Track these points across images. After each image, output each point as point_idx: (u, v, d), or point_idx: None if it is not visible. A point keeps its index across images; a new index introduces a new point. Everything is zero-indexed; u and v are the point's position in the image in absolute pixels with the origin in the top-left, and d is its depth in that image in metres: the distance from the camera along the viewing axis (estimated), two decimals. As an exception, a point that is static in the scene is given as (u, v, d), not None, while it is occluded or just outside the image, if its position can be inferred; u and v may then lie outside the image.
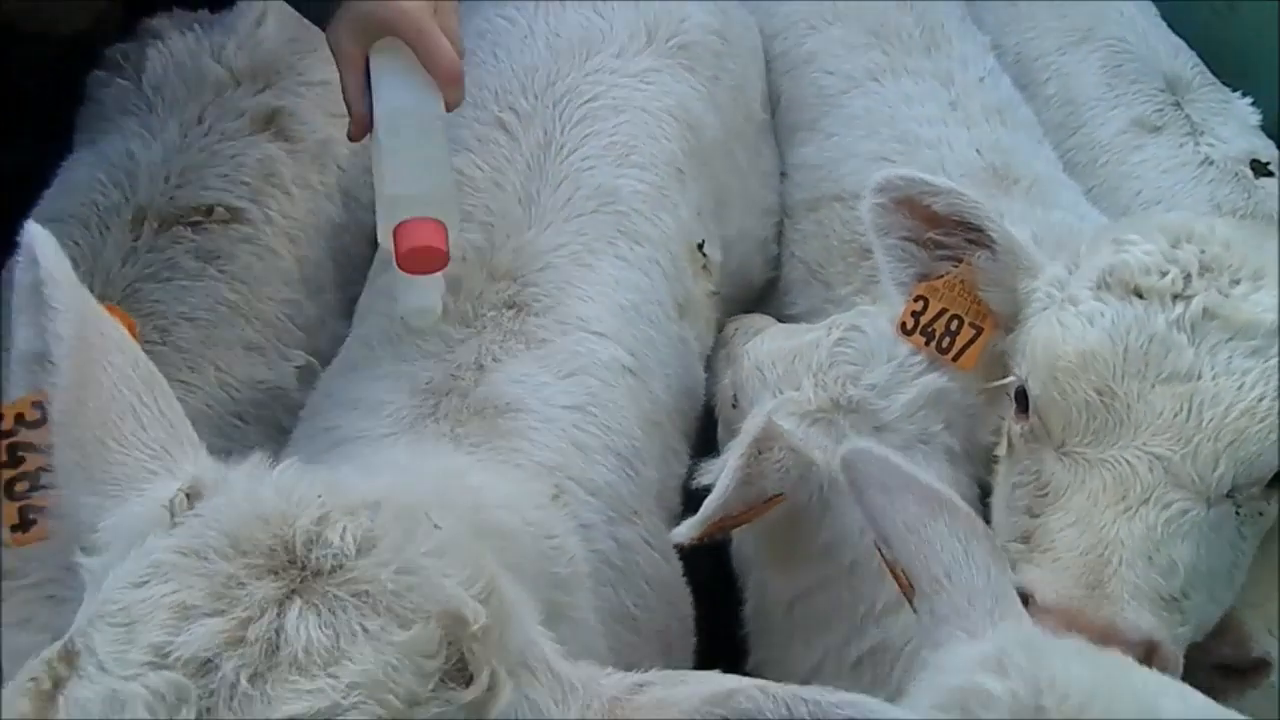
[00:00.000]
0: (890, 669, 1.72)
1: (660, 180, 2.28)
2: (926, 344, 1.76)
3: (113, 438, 1.11)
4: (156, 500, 1.07)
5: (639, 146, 2.28)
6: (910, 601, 1.32)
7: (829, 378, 1.82)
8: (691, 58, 2.49)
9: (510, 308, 1.97)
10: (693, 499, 1.92)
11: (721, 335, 2.47)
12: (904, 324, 1.76)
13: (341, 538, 0.98)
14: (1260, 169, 2.57)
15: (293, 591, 0.95)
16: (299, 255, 2.28)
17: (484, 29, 2.46)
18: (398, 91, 1.70)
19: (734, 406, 2.06)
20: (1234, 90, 2.80)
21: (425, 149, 1.68)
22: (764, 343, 2.05)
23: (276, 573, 0.96)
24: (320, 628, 0.93)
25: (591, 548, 1.76)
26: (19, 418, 1.18)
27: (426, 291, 1.70)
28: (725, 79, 2.60)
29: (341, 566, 0.97)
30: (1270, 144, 2.67)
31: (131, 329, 1.23)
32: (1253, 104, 2.76)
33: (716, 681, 1.03)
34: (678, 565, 1.97)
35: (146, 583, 0.96)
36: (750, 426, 1.70)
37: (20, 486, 1.17)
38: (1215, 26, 2.98)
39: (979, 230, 1.72)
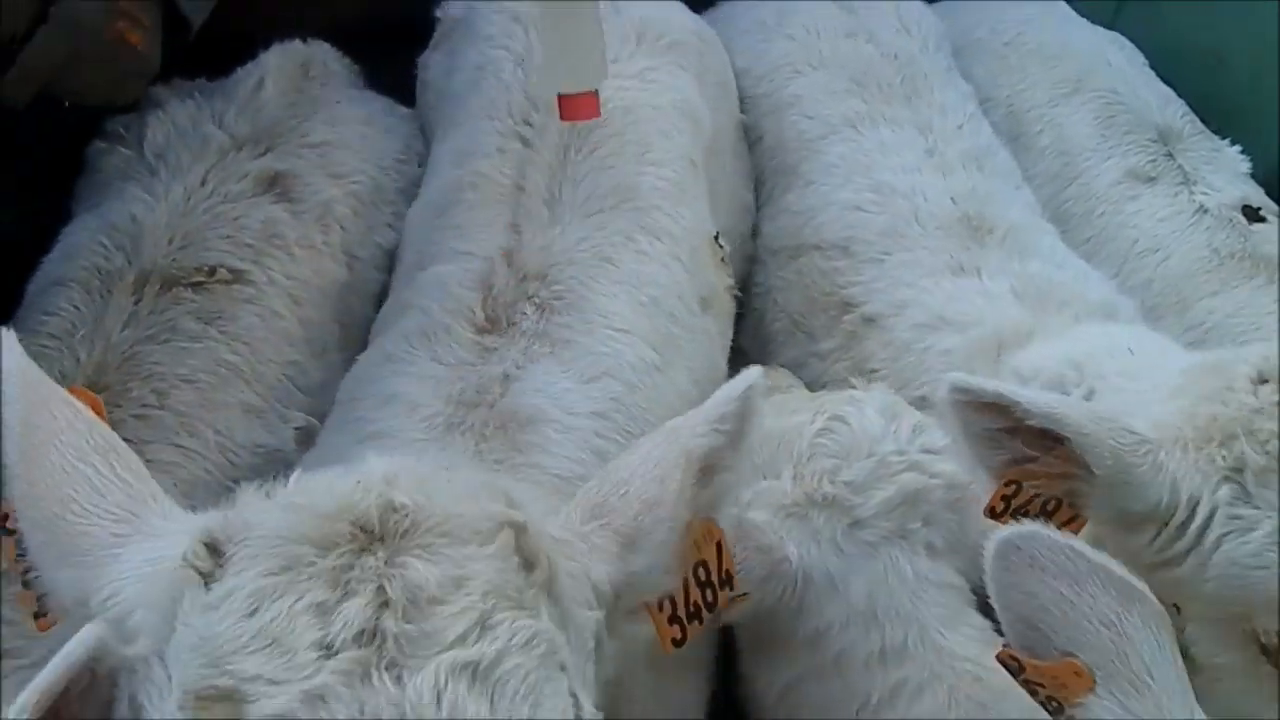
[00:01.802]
0: None
1: (677, 175, 2.30)
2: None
3: (72, 511, 1.14)
4: (167, 567, 1.08)
5: (653, 143, 2.30)
6: (1060, 705, 1.18)
7: (807, 470, 1.77)
8: (681, 56, 2.54)
9: (538, 308, 1.96)
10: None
11: None
12: (993, 508, 1.54)
13: (404, 502, 1.07)
14: (1253, 215, 2.58)
15: (394, 554, 1.03)
16: (302, 316, 2.26)
17: (483, 61, 2.50)
18: None
19: None
20: (1223, 139, 2.81)
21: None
22: None
23: (368, 549, 1.04)
24: (436, 565, 1.03)
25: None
26: (18, 513, 1.20)
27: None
28: (710, 76, 2.64)
29: (415, 522, 1.06)
30: (1260, 190, 2.68)
31: (96, 407, 1.24)
32: (1241, 152, 2.76)
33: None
34: None
35: (258, 609, 1.00)
36: None
37: (31, 575, 1.18)
38: (1204, 78, 2.98)
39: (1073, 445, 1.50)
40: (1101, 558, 1.16)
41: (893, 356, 2.30)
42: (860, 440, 1.78)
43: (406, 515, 1.06)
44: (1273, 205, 2.62)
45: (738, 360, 2.61)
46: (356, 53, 2.93)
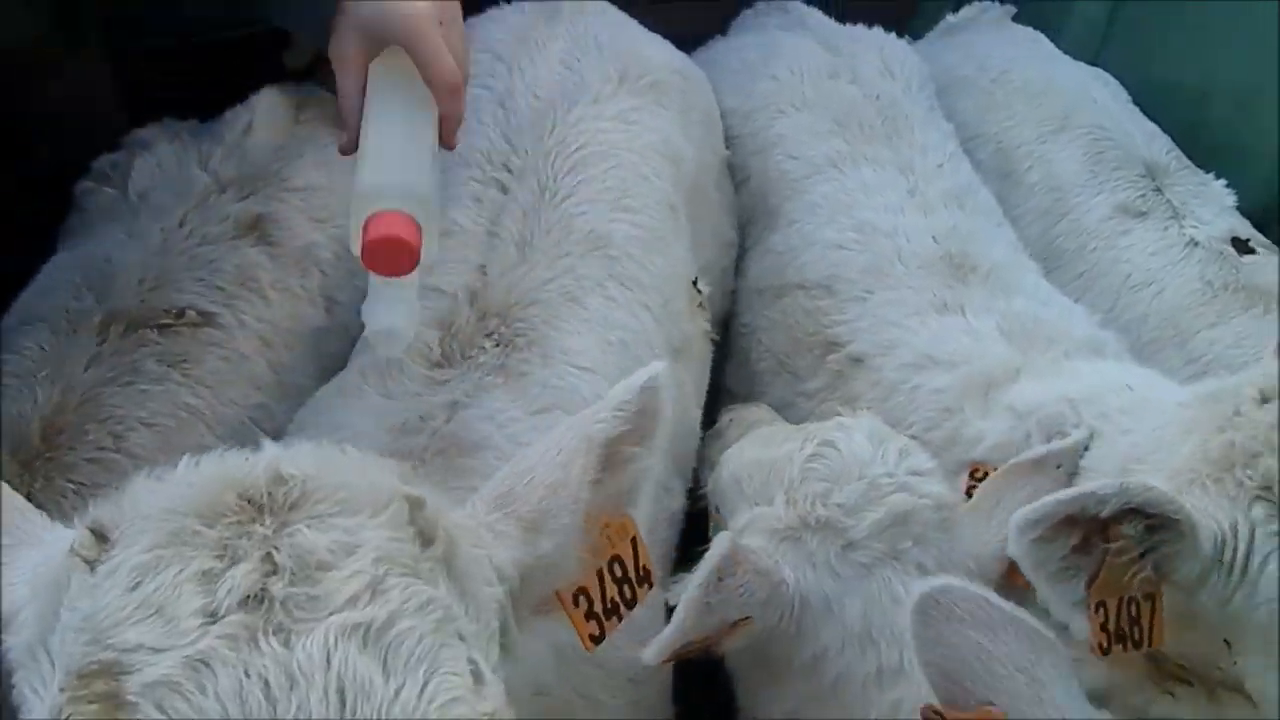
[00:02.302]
0: None
1: (653, 222, 2.27)
2: (1124, 648, 1.52)
3: None
4: (51, 557, 1.06)
5: (631, 189, 2.28)
6: None
7: (799, 495, 1.76)
8: (662, 94, 2.52)
9: (497, 345, 1.93)
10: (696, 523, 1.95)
11: (715, 428, 2.39)
12: (1101, 645, 1.49)
13: (292, 473, 1.04)
14: (1242, 247, 2.57)
15: (282, 524, 1.00)
16: (273, 360, 2.20)
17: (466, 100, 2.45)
18: (388, 95, 1.64)
19: (717, 512, 1.99)
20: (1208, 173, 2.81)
21: (408, 148, 1.59)
22: (741, 451, 1.99)
23: (257, 519, 1.01)
24: (325, 534, 1.00)
25: None
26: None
27: (396, 310, 1.54)
28: (694, 114, 2.63)
29: (304, 493, 1.03)
30: (1246, 223, 2.68)
31: None
32: (1226, 185, 2.76)
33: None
34: (655, 608, 1.78)
35: (141, 581, 0.96)
36: (712, 553, 1.62)
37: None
38: (1187, 114, 2.99)
39: (1151, 515, 1.47)
40: (1012, 608, 1.19)
41: (881, 396, 2.26)
42: (850, 464, 1.77)
43: (295, 486, 1.03)
44: (1260, 237, 2.61)
45: (725, 400, 2.58)
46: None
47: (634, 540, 1.37)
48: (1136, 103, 3.07)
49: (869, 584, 1.70)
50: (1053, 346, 2.13)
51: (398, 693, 0.92)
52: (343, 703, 0.90)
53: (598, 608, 1.35)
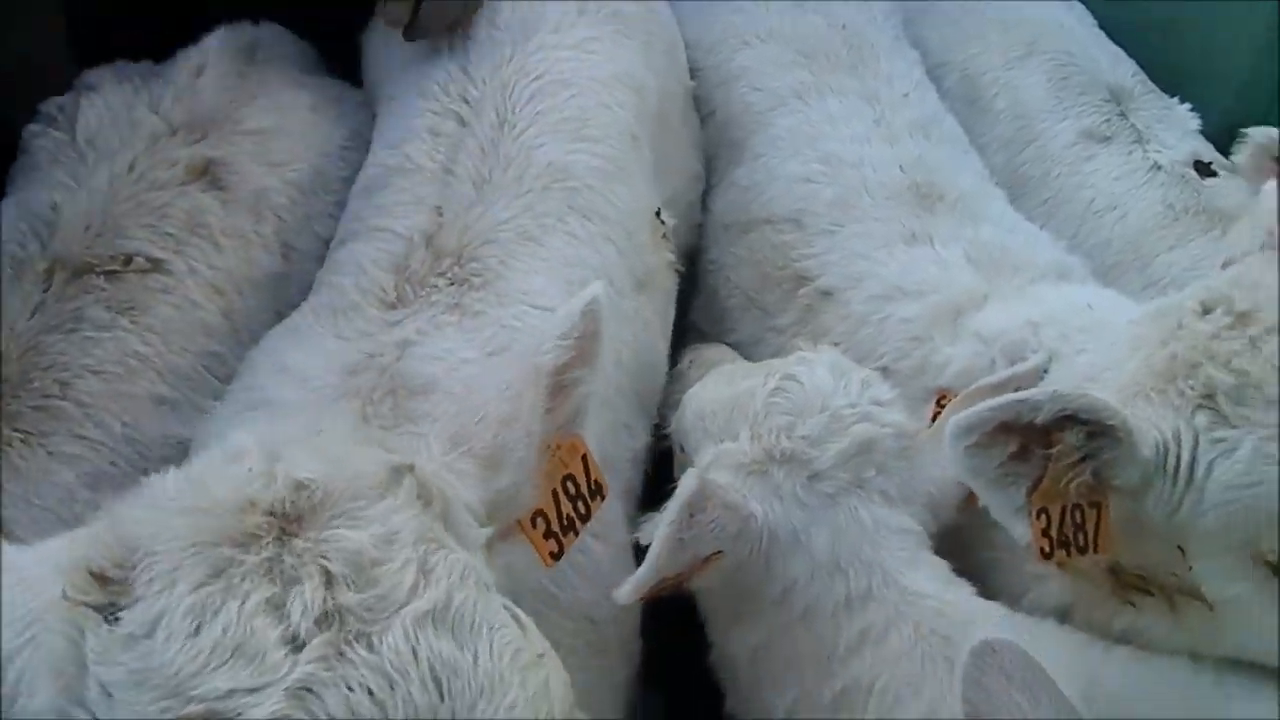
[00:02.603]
0: (864, 708, 1.66)
1: (615, 152, 2.23)
2: (1068, 554, 1.55)
3: None
4: (38, 607, 1.00)
5: (592, 119, 2.23)
6: None
7: (764, 429, 1.78)
8: (624, 23, 2.46)
9: (451, 283, 1.89)
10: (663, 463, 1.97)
11: (677, 368, 2.38)
12: (1043, 549, 1.53)
13: (310, 477, 1.05)
14: (1204, 170, 2.57)
15: (319, 531, 1.01)
16: (225, 307, 2.15)
17: None
18: None
19: (682, 451, 1.99)
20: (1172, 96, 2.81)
21: None
22: (704, 389, 1.99)
23: (290, 533, 1.00)
24: (364, 530, 1.02)
25: None
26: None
27: None
28: (656, 44, 2.57)
29: (326, 493, 1.04)
30: (1210, 146, 2.68)
31: None
32: (1191, 109, 2.76)
33: None
34: (617, 546, 1.86)
35: (203, 624, 0.94)
36: (682, 490, 1.64)
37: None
38: (1155, 44, 2.96)
39: (1087, 422, 1.48)
40: (1055, 683, 1.21)
41: (851, 329, 2.26)
42: (813, 396, 1.79)
43: (316, 489, 1.04)
44: (1222, 160, 2.60)
45: (693, 337, 2.55)
46: (316, 34, 2.82)
47: (584, 457, 1.40)
48: (1104, 29, 3.04)
49: (835, 514, 1.72)
50: (1019, 273, 2.13)
51: (476, 660, 0.98)
52: (439, 687, 0.95)
53: (555, 526, 1.38)
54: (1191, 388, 1.48)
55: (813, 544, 1.70)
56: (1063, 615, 1.74)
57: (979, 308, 2.05)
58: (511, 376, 1.30)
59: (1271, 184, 1.76)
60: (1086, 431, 1.46)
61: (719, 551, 1.66)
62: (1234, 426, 1.44)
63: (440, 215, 1.99)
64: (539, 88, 2.20)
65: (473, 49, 2.29)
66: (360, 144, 2.54)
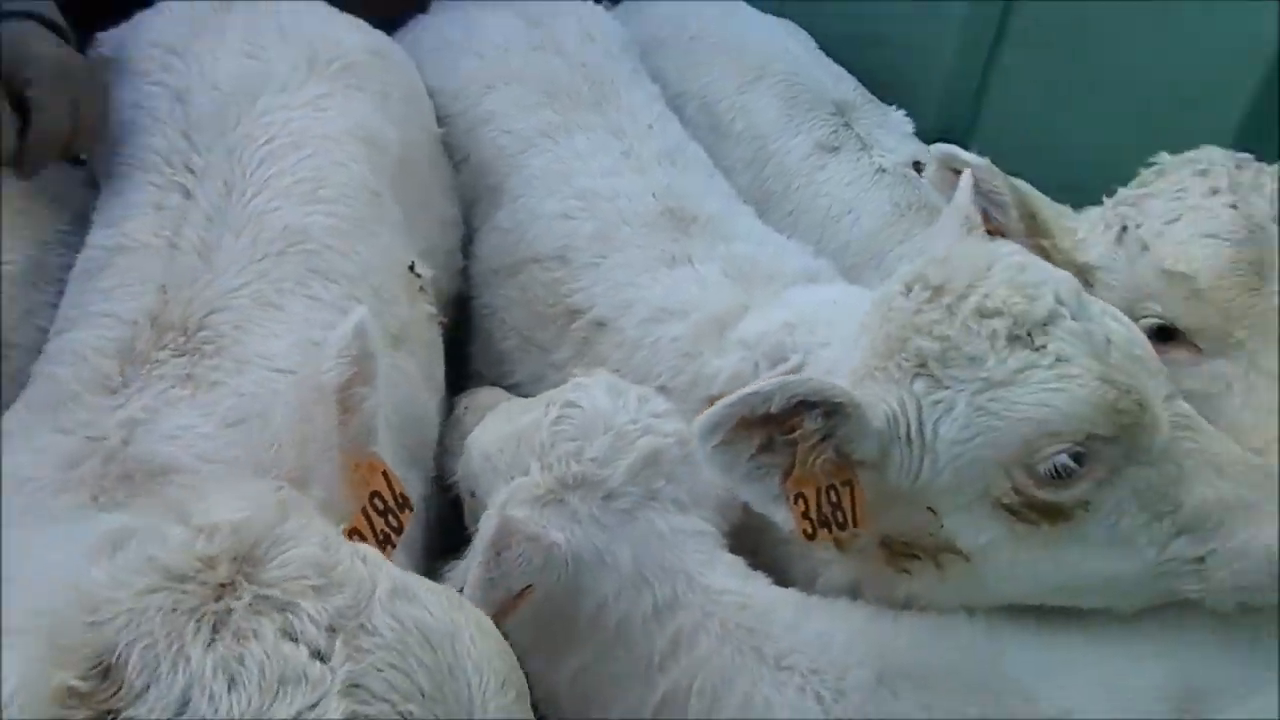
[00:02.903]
0: (685, 709, 1.71)
1: (354, 210, 2.17)
2: (831, 533, 1.63)
3: None
4: None
5: (327, 178, 2.16)
6: None
7: (552, 458, 1.81)
8: (357, 77, 2.42)
9: (180, 355, 1.80)
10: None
11: (453, 416, 2.39)
12: (805, 531, 1.61)
13: (234, 520, 1.08)
14: (922, 168, 2.77)
15: (272, 561, 1.05)
16: None
17: (138, 99, 2.28)
18: None
19: (472, 496, 2.00)
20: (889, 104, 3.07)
21: None
22: (486, 430, 2.01)
23: (253, 568, 1.05)
24: (305, 547, 1.08)
25: None
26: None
27: None
28: (395, 93, 2.54)
29: (255, 527, 1.08)
30: (924, 147, 2.91)
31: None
32: (905, 115, 3.02)
33: None
34: None
35: (237, 673, 0.97)
36: (484, 530, 1.67)
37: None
38: (864, 56, 3.24)
39: (820, 403, 1.57)
40: None
41: (626, 355, 2.33)
42: (594, 419, 1.84)
43: (249, 527, 1.08)
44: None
45: (476, 384, 2.56)
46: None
47: (384, 474, 1.43)
48: (823, 49, 3.29)
49: (633, 528, 1.77)
50: (773, 281, 2.27)
51: (434, 615, 1.09)
52: (429, 643, 1.06)
53: (371, 541, 1.39)
54: (906, 360, 1.60)
55: (617, 561, 1.74)
56: (854, 593, 1.86)
57: (740, 318, 2.16)
58: (296, 403, 1.32)
59: (967, 177, 1.97)
60: (822, 413, 1.57)
61: (529, 586, 1.68)
62: (946, 388, 1.56)
63: (166, 293, 1.89)
64: (269, 151, 2.13)
65: (196, 114, 2.19)
66: (83, 228, 2.36)
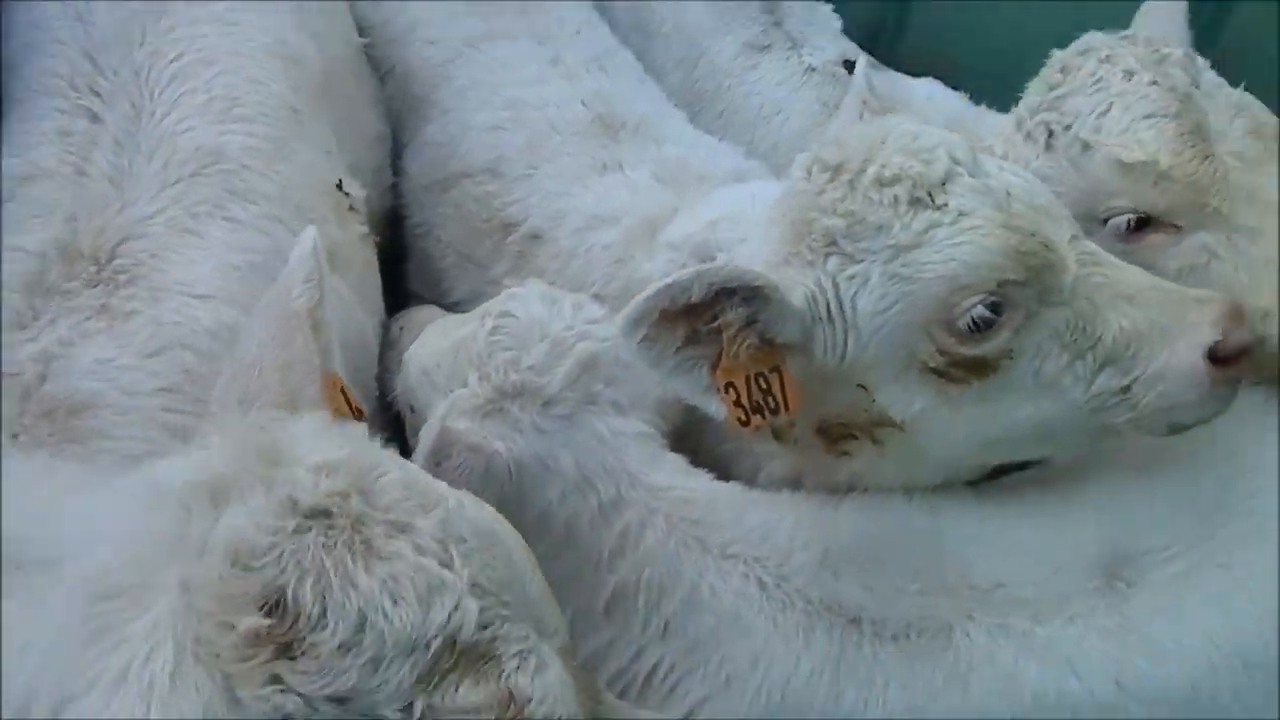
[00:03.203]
0: (635, 603, 1.76)
1: (273, 129, 2.12)
2: (765, 419, 1.63)
3: None
4: None
5: (242, 96, 2.10)
6: None
7: (490, 368, 1.82)
8: None
9: (92, 285, 1.77)
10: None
11: (389, 335, 2.39)
12: (739, 419, 1.62)
13: (330, 458, 1.16)
14: (851, 67, 2.79)
15: (373, 486, 1.16)
16: None
17: (37, 20, 2.18)
18: None
19: (412, 412, 2.00)
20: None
21: None
22: (423, 345, 2.01)
23: (368, 494, 1.14)
24: (394, 469, 1.20)
25: None
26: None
27: None
28: (311, 5, 2.45)
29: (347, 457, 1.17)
30: (854, 45, 2.92)
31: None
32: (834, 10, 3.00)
33: None
34: None
35: (396, 591, 1.07)
36: (424, 441, 1.69)
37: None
38: None
39: (738, 289, 1.58)
40: None
41: (562, 265, 2.34)
42: (530, 327, 1.85)
43: (342, 459, 1.16)
44: (867, 56, 2.80)
45: (415, 304, 2.54)
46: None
47: (342, 390, 1.46)
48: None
49: (574, 433, 1.80)
50: (703, 183, 2.28)
51: (474, 512, 1.23)
52: (492, 538, 1.21)
53: None
54: (816, 241, 1.61)
55: (559, 466, 1.77)
56: (796, 485, 1.91)
57: (670, 220, 2.17)
58: (273, 328, 1.35)
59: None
60: (742, 299, 1.58)
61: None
62: (859, 261, 1.58)
63: (75, 222, 1.84)
64: (179, 69, 2.05)
65: (99, 33, 2.09)
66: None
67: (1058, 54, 1.97)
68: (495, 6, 2.69)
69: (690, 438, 1.98)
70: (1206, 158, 1.81)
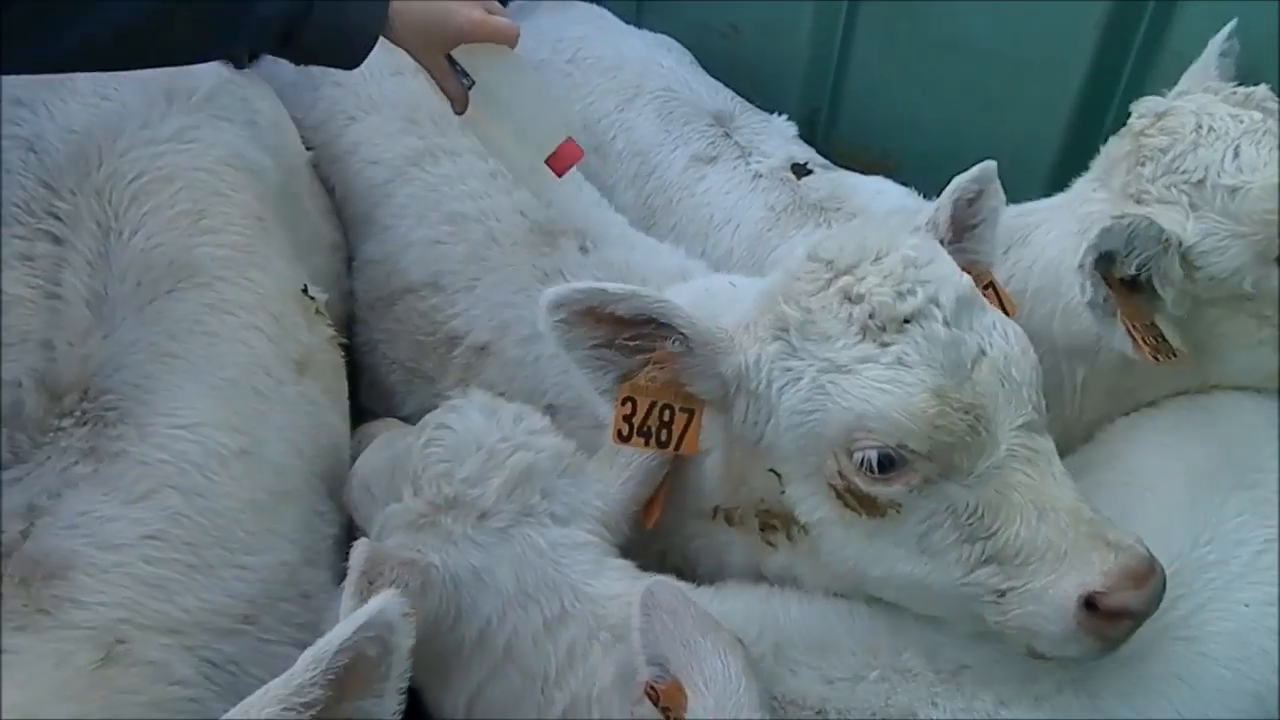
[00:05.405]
0: (590, 716, 1.75)
1: (242, 238, 2.17)
2: (646, 444, 1.73)
3: None
4: None
5: (208, 208, 2.16)
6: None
7: (424, 481, 1.85)
8: (221, 107, 2.40)
9: (82, 424, 1.79)
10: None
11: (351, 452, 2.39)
12: (619, 431, 1.71)
13: None
14: (800, 170, 2.91)
15: None
16: None
17: None
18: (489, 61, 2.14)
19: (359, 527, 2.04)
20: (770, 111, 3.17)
21: (542, 93, 2.19)
22: (365, 459, 2.06)
23: None
24: None
25: (171, 681, 1.65)
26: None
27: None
28: (262, 120, 2.54)
29: None
30: (809, 149, 3.06)
31: None
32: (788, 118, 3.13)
33: None
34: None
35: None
36: (354, 561, 1.68)
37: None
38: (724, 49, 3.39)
39: (667, 325, 1.68)
40: (696, 601, 1.54)
41: (510, 376, 2.39)
42: (466, 439, 1.87)
43: None
44: (819, 158, 3.00)
45: (362, 419, 2.56)
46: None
47: None
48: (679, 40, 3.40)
49: (511, 546, 1.80)
50: (646, 284, 2.27)
51: None
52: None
53: None
54: (771, 321, 1.68)
55: (496, 580, 1.77)
56: (759, 575, 1.91)
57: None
58: None
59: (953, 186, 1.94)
60: (678, 338, 1.67)
61: (408, 612, 1.69)
62: (800, 358, 1.63)
63: (53, 350, 1.86)
64: (139, 187, 2.10)
65: (52, 159, 2.13)
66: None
67: (1129, 126, 2.06)
68: (436, 126, 2.78)
69: (657, 539, 2.00)
70: None
